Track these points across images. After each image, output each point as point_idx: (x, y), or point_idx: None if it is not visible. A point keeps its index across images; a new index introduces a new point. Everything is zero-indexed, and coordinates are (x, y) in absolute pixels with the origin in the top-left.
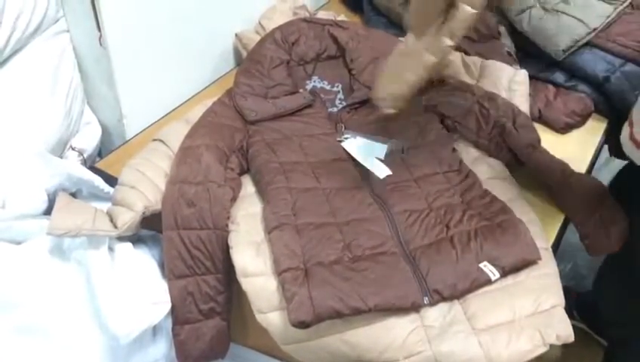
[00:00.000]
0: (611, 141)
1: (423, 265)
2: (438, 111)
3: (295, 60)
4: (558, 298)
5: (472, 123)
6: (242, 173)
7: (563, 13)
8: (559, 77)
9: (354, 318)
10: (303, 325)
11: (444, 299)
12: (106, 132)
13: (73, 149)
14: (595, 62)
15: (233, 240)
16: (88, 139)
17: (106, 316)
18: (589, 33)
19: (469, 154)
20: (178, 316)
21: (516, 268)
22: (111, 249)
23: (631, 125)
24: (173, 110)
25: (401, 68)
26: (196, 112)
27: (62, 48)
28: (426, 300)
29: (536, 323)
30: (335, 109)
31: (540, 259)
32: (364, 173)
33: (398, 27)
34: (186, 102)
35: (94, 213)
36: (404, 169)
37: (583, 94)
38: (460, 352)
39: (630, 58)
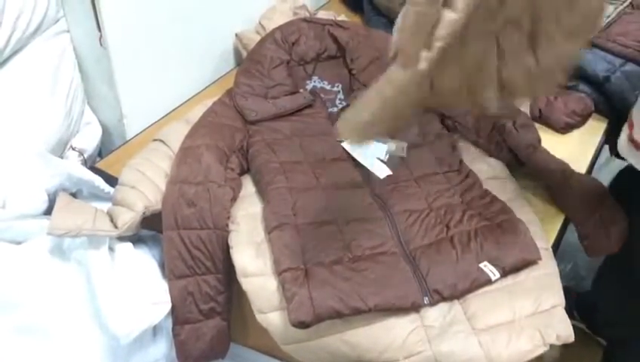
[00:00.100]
0: (611, 141)
1: (423, 265)
2: (438, 111)
3: (295, 60)
4: (558, 298)
5: (472, 123)
6: (242, 173)
7: None
8: None
9: (354, 318)
10: (303, 325)
11: (444, 299)
12: (106, 132)
13: (73, 149)
14: (596, 62)
15: (233, 240)
16: (88, 139)
17: (106, 316)
18: None
19: (469, 154)
20: (178, 316)
21: (516, 268)
22: (111, 249)
23: (631, 127)
24: (174, 110)
25: (395, 101)
26: (196, 112)
27: (62, 48)
28: (426, 300)
29: (537, 323)
30: (335, 109)
31: (540, 259)
32: (364, 173)
33: None
34: (186, 102)
35: (94, 213)
36: (404, 169)
37: (583, 94)
38: (460, 352)
39: (630, 58)
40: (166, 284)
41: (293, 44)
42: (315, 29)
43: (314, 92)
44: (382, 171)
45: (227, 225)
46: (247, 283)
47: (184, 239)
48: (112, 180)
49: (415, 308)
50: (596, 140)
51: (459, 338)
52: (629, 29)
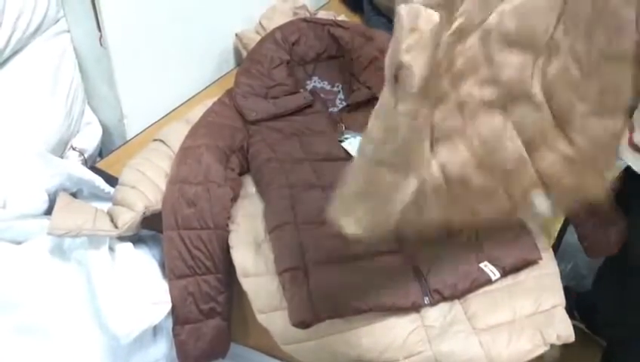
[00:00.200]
0: None
1: (424, 265)
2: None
3: (295, 60)
4: (558, 298)
5: None
6: (242, 172)
7: None
8: None
9: (354, 318)
10: (303, 325)
11: (444, 299)
12: (106, 132)
13: (74, 149)
14: None
15: (233, 240)
16: (89, 139)
17: (106, 316)
18: None
19: None
20: (178, 316)
21: (516, 268)
22: (111, 249)
23: (631, 130)
24: (174, 110)
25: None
26: (196, 112)
27: (62, 48)
28: (426, 300)
29: (537, 323)
30: (335, 109)
31: (540, 259)
32: None
33: None
34: (186, 102)
35: (95, 213)
36: None
37: None
38: (460, 352)
39: None
40: (166, 284)
41: (293, 44)
42: (315, 29)
43: (314, 92)
44: None
45: (227, 225)
46: (247, 283)
47: (184, 239)
48: (112, 180)
49: (415, 307)
50: None
51: (459, 338)
52: None
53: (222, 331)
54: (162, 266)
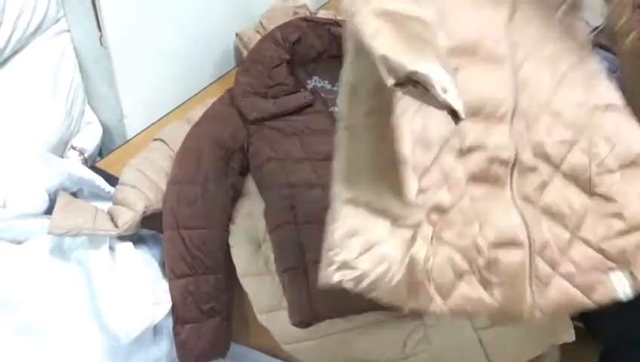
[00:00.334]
0: None
1: None
2: None
3: (296, 60)
4: None
5: None
6: (243, 172)
7: None
8: None
9: (354, 318)
10: (303, 324)
11: None
12: (106, 131)
13: (74, 149)
14: None
15: (234, 239)
16: (89, 138)
17: (106, 316)
18: (591, 32)
19: None
20: (179, 315)
21: None
22: (112, 248)
23: None
24: (174, 110)
25: None
26: (197, 112)
27: (62, 48)
28: None
29: (537, 323)
30: (336, 109)
31: None
32: None
33: None
34: (186, 101)
35: (95, 212)
36: None
37: None
38: (460, 351)
39: None
40: (166, 284)
41: (293, 43)
42: (316, 28)
43: (314, 91)
44: None
45: (227, 225)
46: (247, 283)
47: (185, 239)
48: (112, 180)
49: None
50: None
51: (460, 338)
52: None
53: (222, 331)
54: (162, 266)
